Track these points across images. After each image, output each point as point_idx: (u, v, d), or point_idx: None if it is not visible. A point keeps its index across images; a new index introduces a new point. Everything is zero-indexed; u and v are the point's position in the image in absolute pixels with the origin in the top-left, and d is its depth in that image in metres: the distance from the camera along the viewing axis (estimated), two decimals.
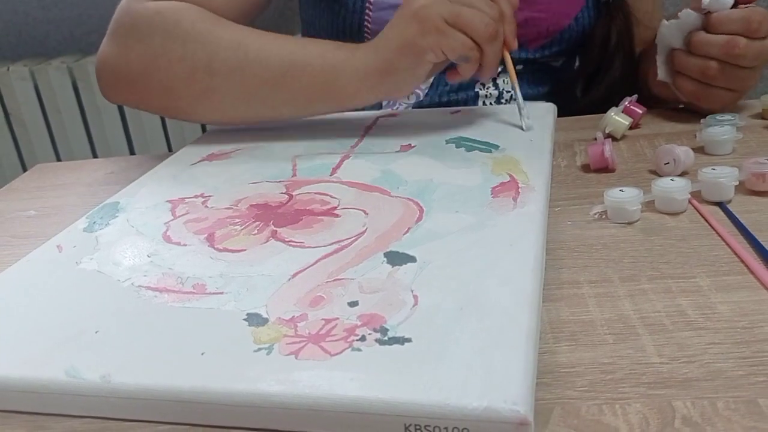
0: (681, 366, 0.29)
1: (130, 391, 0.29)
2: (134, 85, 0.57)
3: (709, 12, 0.52)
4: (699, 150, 0.50)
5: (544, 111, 0.58)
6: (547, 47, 0.67)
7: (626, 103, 0.54)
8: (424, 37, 0.48)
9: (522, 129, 0.53)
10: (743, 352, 0.29)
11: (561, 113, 0.60)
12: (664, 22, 0.55)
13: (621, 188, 0.42)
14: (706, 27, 0.52)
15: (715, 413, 0.26)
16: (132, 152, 1.42)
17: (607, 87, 0.65)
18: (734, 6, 0.51)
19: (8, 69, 1.36)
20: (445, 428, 0.25)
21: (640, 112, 0.54)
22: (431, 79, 0.67)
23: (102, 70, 0.58)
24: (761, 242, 0.37)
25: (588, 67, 0.68)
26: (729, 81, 0.53)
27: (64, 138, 1.40)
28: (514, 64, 0.68)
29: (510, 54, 0.66)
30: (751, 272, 0.35)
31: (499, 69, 0.67)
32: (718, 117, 0.52)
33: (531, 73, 0.69)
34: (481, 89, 0.67)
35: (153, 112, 0.61)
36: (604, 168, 0.49)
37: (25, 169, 1.44)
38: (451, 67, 0.52)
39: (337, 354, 0.29)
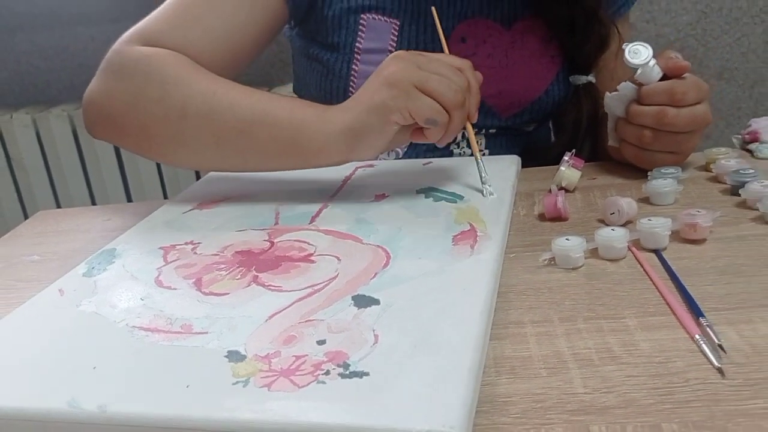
0: (601, 395, 0.33)
1: (123, 419, 0.33)
2: (114, 122, 0.61)
3: (641, 84, 0.57)
4: (645, 200, 0.55)
5: (508, 163, 0.64)
6: (519, 116, 0.73)
7: (569, 158, 0.59)
8: (394, 99, 0.51)
9: (483, 195, 0.55)
10: (656, 383, 0.34)
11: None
12: (607, 93, 0.61)
13: (567, 237, 0.47)
14: (639, 98, 0.58)
15: None
16: (129, 198, 1.47)
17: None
18: (664, 78, 0.57)
19: (11, 117, 1.42)
20: None
21: (582, 164, 0.60)
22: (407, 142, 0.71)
23: (87, 105, 0.62)
24: (685, 286, 0.41)
25: (563, 144, 0.72)
26: (666, 145, 0.58)
27: (64, 183, 1.45)
28: (488, 130, 0.73)
29: (485, 120, 0.72)
30: (673, 313, 0.39)
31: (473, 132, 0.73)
32: (663, 170, 0.58)
33: (504, 137, 0.74)
34: (455, 148, 0.72)
35: (130, 151, 0.64)
36: (558, 217, 0.54)
37: (25, 213, 1.48)
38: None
39: (304, 386, 0.33)
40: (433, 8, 0.61)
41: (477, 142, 0.73)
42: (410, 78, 0.51)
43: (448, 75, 0.51)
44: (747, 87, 1.45)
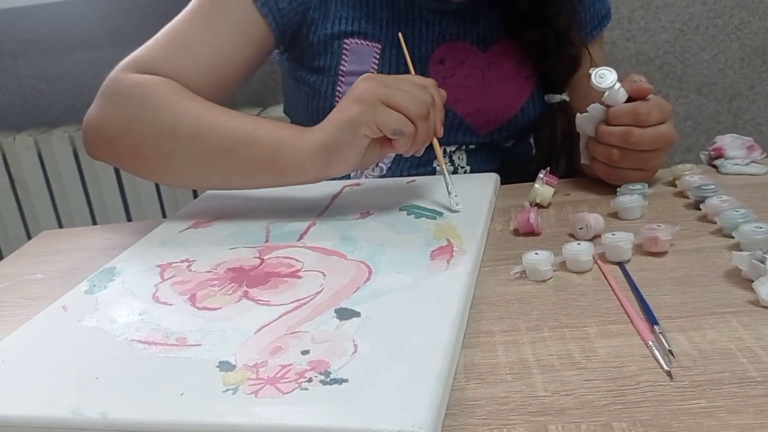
0: (560, 398, 0.36)
1: (123, 425, 0.36)
2: (110, 144, 0.65)
3: (609, 106, 0.61)
4: (614, 215, 0.59)
5: (486, 181, 0.67)
6: (496, 132, 0.76)
7: (543, 175, 0.63)
8: (362, 114, 0.54)
9: (451, 210, 0.58)
10: (610, 386, 0.37)
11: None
12: (578, 114, 0.64)
13: (536, 251, 0.50)
14: (606, 119, 0.62)
15: None
16: (128, 216, 1.50)
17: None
18: (630, 99, 0.60)
19: (14, 138, 1.46)
20: None
21: (556, 181, 0.63)
22: (391, 156, 0.75)
23: (87, 128, 0.66)
24: (643, 296, 0.45)
25: (540, 160, 0.76)
26: (633, 163, 0.62)
27: (65, 203, 1.49)
28: (468, 146, 0.77)
29: (464, 137, 0.76)
30: (631, 321, 0.42)
31: (453, 148, 0.77)
32: (631, 186, 0.61)
33: (484, 152, 0.78)
34: (438, 166, 0.76)
35: (126, 170, 0.68)
36: (531, 232, 0.57)
37: (28, 232, 1.51)
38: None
39: (288, 393, 0.36)
40: (399, 34, 0.67)
41: (458, 157, 0.77)
42: (377, 94, 0.55)
43: (411, 91, 0.56)
44: (725, 102, 1.50)
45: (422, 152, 0.59)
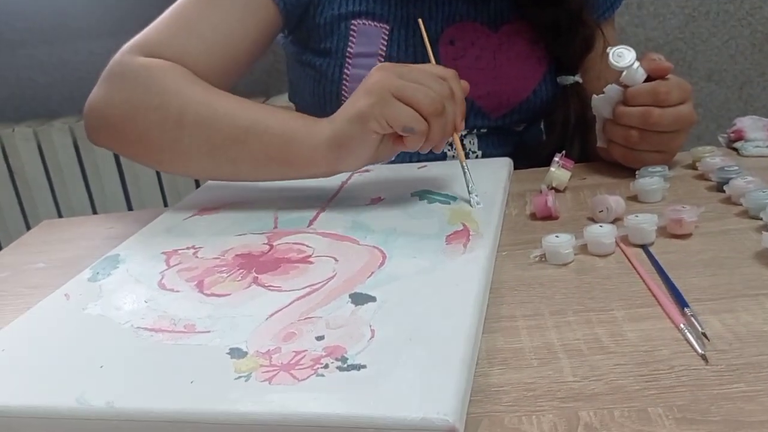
0: (590, 383, 0.34)
1: (131, 414, 0.34)
2: (114, 130, 0.62)
3: (627, 86, 0.59)
4: (634, 198, 0.57)
5: (500, 165, 0.65)
6: (508, 116, 0.74)
7: (559, 159, 0.61)
8: (371, 107, 0.51)
9: (470, 205, 0.55)
10: (642, 370, 0.35)
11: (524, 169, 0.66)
12: (594, 96, 0.62)
13: (556, 234, 0.48)
14: (624, 100, 0.59)
15: (611, 420, 0.32)
16: (129, 207, 1.49)
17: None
18: (648, 79, 0.58)
19: (13, 130, 1.44)
20: None
21: (572, 164, 0.61)
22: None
23: (89, 113, 0.63)
24: (671, 278, 0.43)
25: (553, 143, 0.74)
26: (653, 145, 0.60)
27: (65, 195, 1.47)
28: (479, 130, 0.75)
29: (475, 121, 0.74)
30: (659, 304, 0.41)
31: (464, 132, 0.75)
32: (650, 169, 0.59)
33: (495, 136, 0.76)
34: (448, 150, 0.74)
35: (129, 158, 0.65)
36: (548, 216, 0.55)
37: (27, 224, 1.50)
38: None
39: (303, 379, 0.34)
40: (420, 20, 0.63)
41: (469, 141, 0.75)
42: (388, 86, 0.51)
43: (427, 83, 0.52)
44: (736, 88, 1.48)
45: (441, 149, 0.55)
